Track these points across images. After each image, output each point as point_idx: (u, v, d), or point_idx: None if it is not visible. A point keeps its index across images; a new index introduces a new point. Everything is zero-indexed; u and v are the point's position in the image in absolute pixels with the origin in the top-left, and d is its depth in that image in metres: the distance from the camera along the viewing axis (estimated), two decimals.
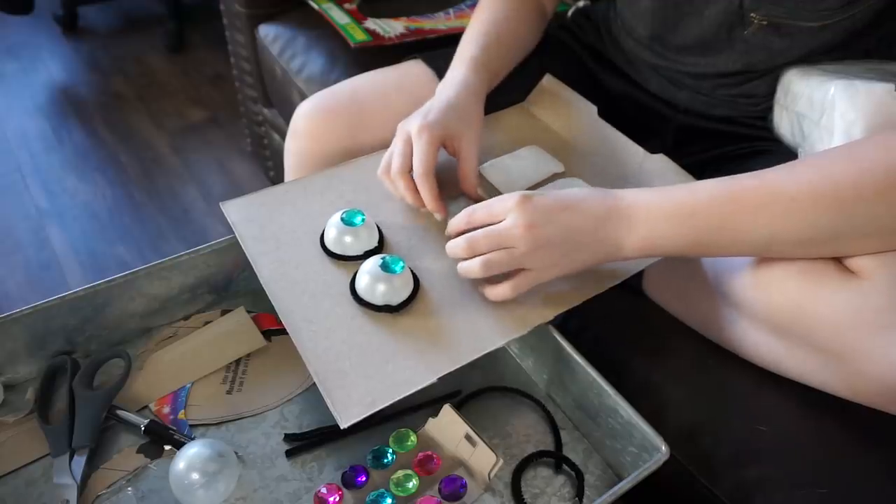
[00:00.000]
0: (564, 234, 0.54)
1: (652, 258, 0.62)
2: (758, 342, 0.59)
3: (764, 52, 0.69)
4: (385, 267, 0.57)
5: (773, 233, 0.51)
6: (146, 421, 0.59)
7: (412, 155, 0.64)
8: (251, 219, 0.65)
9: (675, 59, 0.76)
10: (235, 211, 0.66)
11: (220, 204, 0.66)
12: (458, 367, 0.53)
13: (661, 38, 0.76)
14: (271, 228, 0.64)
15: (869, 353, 0.49)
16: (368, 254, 0.61)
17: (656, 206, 0.53)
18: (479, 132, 0.69)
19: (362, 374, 0.52)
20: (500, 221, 0.55)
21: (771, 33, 0.67)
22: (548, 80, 0.82)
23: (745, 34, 0.68)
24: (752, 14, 0.66)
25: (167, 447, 0.59)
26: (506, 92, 0.80)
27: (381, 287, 0.56)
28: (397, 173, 0.64)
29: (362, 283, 0.57)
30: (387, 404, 0.51)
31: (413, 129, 0.64)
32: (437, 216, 0.65)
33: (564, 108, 0.80)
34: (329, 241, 0.62)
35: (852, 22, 0.64)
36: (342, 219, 0.62)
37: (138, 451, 0.59)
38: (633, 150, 0.73)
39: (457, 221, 0.58)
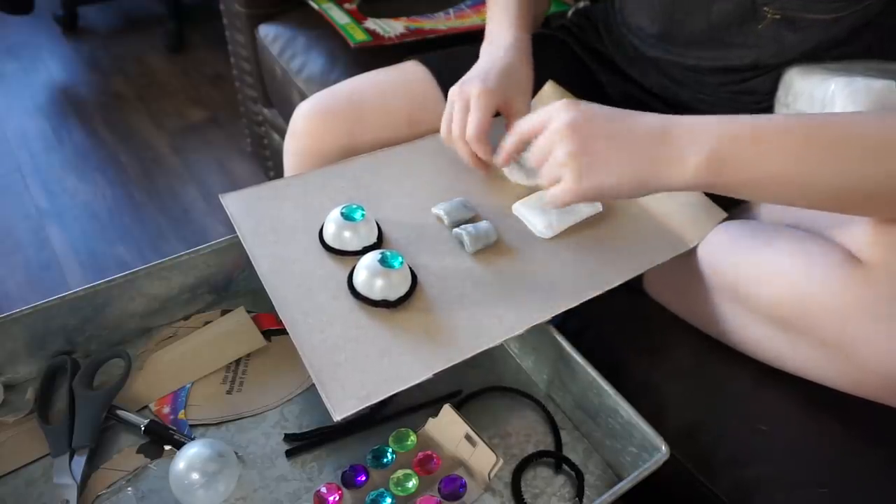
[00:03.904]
0: (610, 139, 0.53)
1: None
2: (759, 336, 0.59)
3: (775, 46, 0.68)
4: (384, 262, 0.57)
5: (846, 173, 0.48)
6: (146, 421, 0.59)
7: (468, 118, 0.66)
8: (250, 212, 0.65)
9: (682, 53, 0.76)
10: (234, 203, 0.66)
11: (220, 196, 0.65)
12: (454, 363, 0.53)
13: (667, 32, 0.75)
14: (270, 222, 0.64)
15: (872, 344, 0.49)
16: (367, 249, 0.61)
17: (722, 126, 0.51)
18: (530, 92, 0.72)
19: (358, 367, 0.52)
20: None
21: (784, 27, 0.66)
22: (550, 86, 0.82)
23: (759, 28, 0.68)
24: (765, 8, 0.65)
25: (167, 447, 0.59)
26: None
27: (379, 282, 0.56)
28: (458, 138, 0.67)
29: (360, 278, 0.57)
30: (381, 398, 0.51)
31: (473, 93, 0.66)
32: (486, 171, 0.69)
33: None
34: (328, 236, 0.62)
35: (864, 14, 0.64)
36: (342, 214, 0.62)
37: (138, 451, 0.59)
38: None
39: (508, 144, 0.62)
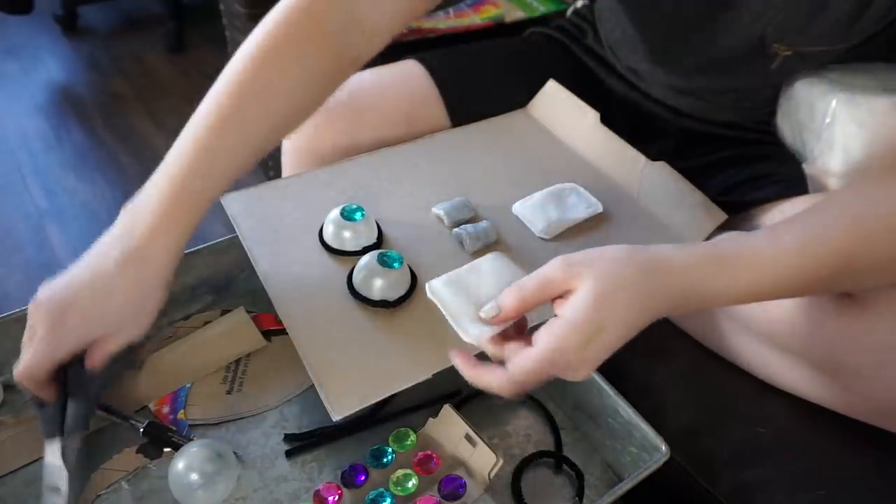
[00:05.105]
0: (626, 338, 0.46)
1: None
2: (754, 353, 0.59)
3: (784, 76, 0.68)
4: (383, 262, 0.57)
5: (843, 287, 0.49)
6: (146, 421, 0.59)
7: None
8: (250, 212, 0.65)
9: (684, 78, 0.75)
10: (235, 204, 0.66)
11: (220, 197, 0.65)
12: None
13: (669, 59, 0.74)
14: (270, 222, 0.64)
15: (860, 372, 0.50)
16: (367, 249, 0.61)
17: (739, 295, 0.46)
18: (138, 327, 0.52)
19: (357, 367, 0.52)
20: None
21: (795, 61, 0.66)
22: (550, 85, 0.81)
23: (773, 67, 0.66)
24: (775, 45, 0.64)
25: (167, 448, 0.59)
26: (507, 96, 0.80)
27: (379, 282, 0.56)
28: (19, 377, 0.51)
29: (360, 278, 0.57)
30: (380, 398, 0.51)
31: (39, 327, 0.50)
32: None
33: (566, 114, 0.79)
34: (328, 236, 0.62)
35: (875, 41, 0.64)
36: (342, 214, 0.62)
37: (138, 452, 0.59)
38: (633, 158, 0.73)
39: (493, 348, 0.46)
